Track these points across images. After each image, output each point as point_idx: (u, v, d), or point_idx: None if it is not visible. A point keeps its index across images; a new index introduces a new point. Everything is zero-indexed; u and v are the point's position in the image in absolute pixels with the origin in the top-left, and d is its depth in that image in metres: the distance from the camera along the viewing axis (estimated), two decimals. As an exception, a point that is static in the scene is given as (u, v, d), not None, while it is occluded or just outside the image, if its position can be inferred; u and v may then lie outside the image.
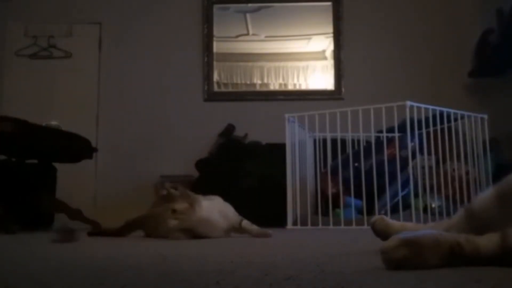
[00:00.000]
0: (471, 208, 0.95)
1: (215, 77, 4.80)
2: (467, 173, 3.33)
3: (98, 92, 4.77)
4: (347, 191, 3.26)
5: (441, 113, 3.38)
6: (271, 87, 4.81)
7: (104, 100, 4.73)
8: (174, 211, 1.98)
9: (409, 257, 0.78)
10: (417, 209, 3.12)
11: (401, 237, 0.80)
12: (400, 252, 0.79)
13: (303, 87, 4.80)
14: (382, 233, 1.12)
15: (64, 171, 3.83)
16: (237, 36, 4.88)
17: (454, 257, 0.79)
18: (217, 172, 3.95)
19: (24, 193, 3.17)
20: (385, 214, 3.08)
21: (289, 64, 4.81)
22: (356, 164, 3.26)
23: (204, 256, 1.20)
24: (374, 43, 4.76)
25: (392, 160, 3.17)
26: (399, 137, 3.22)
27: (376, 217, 1.16)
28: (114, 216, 2.90)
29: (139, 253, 1.32)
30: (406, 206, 3.12)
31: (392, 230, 1.08)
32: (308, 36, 4.86)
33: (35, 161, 3.40)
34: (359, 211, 3.21)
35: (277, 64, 4.81)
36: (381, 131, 3.45)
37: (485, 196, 0.93)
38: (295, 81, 4.80)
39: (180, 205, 2.00)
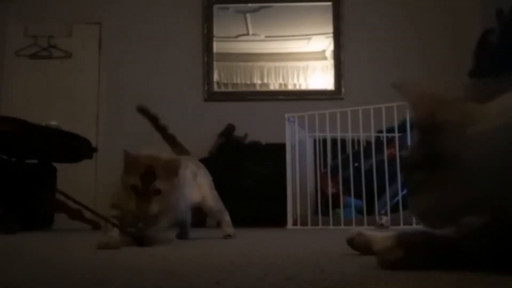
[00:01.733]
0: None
1: (215, 77, 4.80)
2: (467, 173, 3.33)
3: (98, 92, 4.77)
4: (347, 191, 3.26)
5: (441, 113, 3.37)
6: (271, 87, 4.81)
7: (104, 100, 4.73)
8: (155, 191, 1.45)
9: (404, 258, 0.78)
10: (417, 209, 3.11)
11: (396, 238, 0.81)
12: (396, 253, 0.79)
13: (303, 87, 4.80)
14: (363, 249, 1.04)
15: (64, 171, 3.83)
16: (237, 36, 4.88)
17: (448, 252, 0.79)
18: (217, 172, 3.94)
19: (24, 193, 3.17)
20: (385, 214, 3.09)
21: (289, 64, 4.81)
22: (356, 164, 3.26)
23: (204, 256, 1.20)
24: (374, 43, 4.76)
25: (392, 160, 3.17)
26: (399, 137, 3.22)
27: (353, 233, 1.05)
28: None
29: (139, 253, 1.32)
30: (406, 206, 3.12)
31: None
32: (308, 36, 4.86)
33: (35, 161, 3.40)
34: (359, 211, 3.21)
35: (277, 64, 4.81)
36: (381, 131, 3.45)
37: None
38: (295, 81, 4.80)
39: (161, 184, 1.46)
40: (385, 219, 3.03)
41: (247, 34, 4.88)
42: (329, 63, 4.79)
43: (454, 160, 0.73)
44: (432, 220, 0.79)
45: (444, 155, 0.74)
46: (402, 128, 3.19)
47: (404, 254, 0.78)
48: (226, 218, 2.08)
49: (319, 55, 4.86)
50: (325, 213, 3.28)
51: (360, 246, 1.04)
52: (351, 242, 1.05)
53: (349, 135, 3.35)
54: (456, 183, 0.73)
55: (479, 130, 0.72)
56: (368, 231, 1.05)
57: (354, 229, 1.08)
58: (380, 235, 0.98)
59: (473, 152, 0.72)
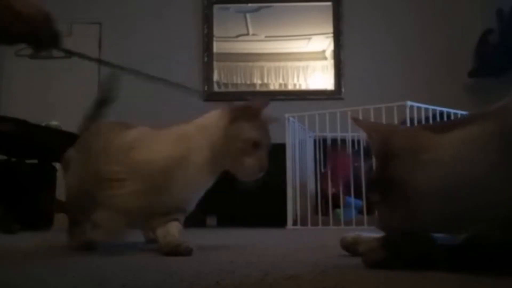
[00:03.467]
0: None
1: (215, 77, 4.80)
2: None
3: (98, 92, 4.77)
4: (347, 191, 3.26)
5: (441, 113, 3.38)
6: (271, 87, 4.81)
7: (104, 100, 4.73)
8: None
9: (388, 259, 0.81)
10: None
11: (380, 240, 0.84)
12: (379, 254, 0.82)
13: (303, 87, 4.79)
14: (355, 251, 1.04)
15: (64, 171, 3.83)
16: (237, 36, 4.88)
17: (432, 253, 0.80)
18: (217, 172, 3.94)
19: (24, 193, 3.17)
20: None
21: (289, 64, 4.81)
22: (356, 164, 3.26)
23: (204, 256, 1.20)
24: (374, 43, 4.76)
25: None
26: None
27: (347, 239, 1.06)
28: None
29: (139, 253, 1.32)
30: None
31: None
32: (308, 36, 4.86)
33: (35, 161, 3.39)
34: (359, 211, 3.21)
35: (277, 64, 4.81)
36: (381, 131, 3.45)
37: None
38: (295, 81, 4.80)
39: None
40: (385, 219, 3.02)
41: (247, 34, 4.88)
42: (329, 63, 4.79)
43: (405, 184, 0.77)
44: (389, 232, 0.86)
45: (396, 179, 0.78)
46: (402, 128, 3.19)
47: (387, 255, 0.82)
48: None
49: (319, 55, 4.85)
50: (325, 213, 3.29)
51: (353, 251, 1.05)
52: (347, 248, 1.07)
53: (349, 135, 3.35)
54: (404, 206, 0.78)
55: (430, 158, 0.75)
56: (363, 234, 1.06)
57: (348, 234, 1.08)
58: (366, 236, 1.00)
59: (423, 177, 0.75)
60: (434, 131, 0.79)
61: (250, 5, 4.88)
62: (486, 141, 0.70)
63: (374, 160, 0.85)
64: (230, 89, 4.84)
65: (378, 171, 0.82)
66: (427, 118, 3.18)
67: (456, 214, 0.74)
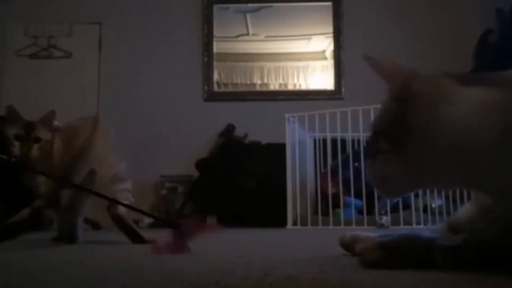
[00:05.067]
0: (453, 222, 0.96)
1: (215, 77, 4.80)
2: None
3: (98, 92, 4.77)
4: (347, 191, 3.26)
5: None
6: (271, 87, 4.81)
7: (104, 100, 4.73)
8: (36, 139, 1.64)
9: (384, 259, 0.81)
10: (417, 209, 3.12)
11: (377, 240, 0.84)
12: (376, 254, 0.82)
13: (303, 87, 4.80)
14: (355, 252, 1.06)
15: (64, 171, 3.82)
16: (237, 36, 4.88)
17: (431, 256, 0.80)
18: (217, 172, 3.95)
19: (24, 193, 3.16)
20: (385, 214, 3.09)
21: (289, 64, 4.81)
22: (356, 164, 3.26)
23: (204, 256, 1.20)
24: (374, 43, 4.76)
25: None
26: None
27: (345, 237, 1.06)
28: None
29: (139, 253, 1.32)
30: (406, 206, 3.12)
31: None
32: (308, 36, 4.86)
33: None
34: (359, 211, 3.21)
35: (277, 64, 4.81)
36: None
37: (466, 209, 0.93)
38: (295, 81, 4.80)
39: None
40: (385, 219, 3.03)
41: (247, 34, 4.88)
42: (329, 63, 4.79)
43: (422, 134, 0.73)
44: (385, 188, 0.82)
45: (412, 126, 0.74)
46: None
47: (384, 256, 0.81)
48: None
49: (319, 55, 4.86)
50: (325, 213, 3.29)
51: (351, 246, 1.05)
52: (346, 247, 1.06)
53: (349, 135, 3.35)
54: (416, 155, 0.74)
55: (449, 112, 0.71)
56: (362, 233, 1.05)
57: (347, 233, 1.08)
58: (364, 235, 1.00)
59: (440, 130, 0.72)
60: (458, 81, 0.74)
61: (250, 5, 4.88)
62: (496, 111, 0.69)
63: (388, 104, 0.80)
64: (230, 89, 4.84)
65: (393, 117, 0.77)
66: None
67: (460, 177, 0.73)
